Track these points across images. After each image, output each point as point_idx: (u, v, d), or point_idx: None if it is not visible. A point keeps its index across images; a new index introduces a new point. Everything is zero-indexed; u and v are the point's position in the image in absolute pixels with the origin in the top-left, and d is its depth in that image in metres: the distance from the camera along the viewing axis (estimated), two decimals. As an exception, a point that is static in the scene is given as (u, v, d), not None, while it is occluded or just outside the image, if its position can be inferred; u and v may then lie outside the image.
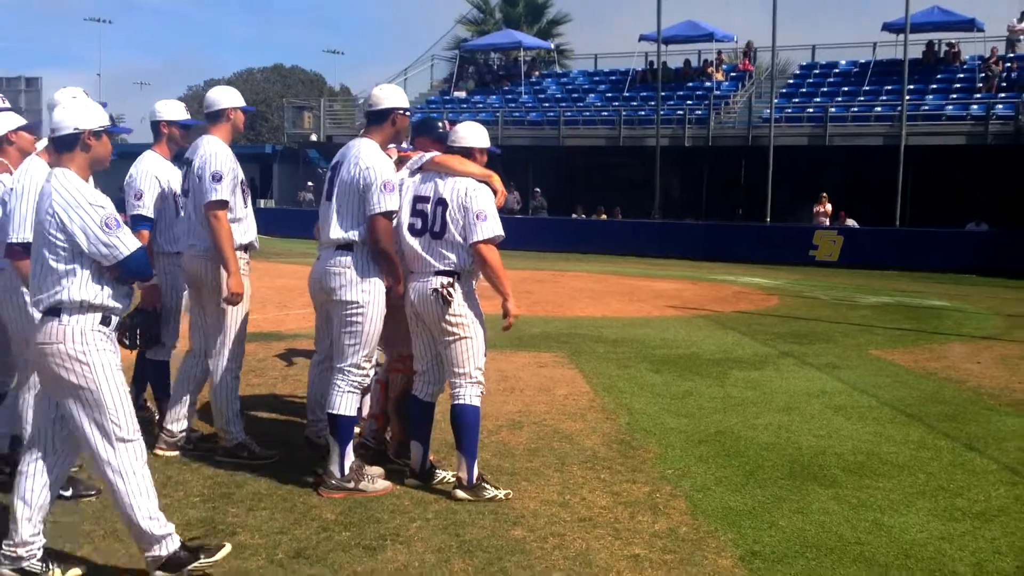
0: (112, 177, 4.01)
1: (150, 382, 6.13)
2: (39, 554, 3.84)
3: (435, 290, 4.85)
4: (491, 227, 4.84)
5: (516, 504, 4.87)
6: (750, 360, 9.11)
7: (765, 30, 24.84)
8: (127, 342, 5.33)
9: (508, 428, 6.38)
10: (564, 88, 33.17)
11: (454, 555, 4.20)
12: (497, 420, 6.51)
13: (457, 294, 4.87)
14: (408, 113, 5.15)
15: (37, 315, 4.61)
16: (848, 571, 4.15)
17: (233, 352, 5.47)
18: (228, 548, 4.00)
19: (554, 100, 31.95)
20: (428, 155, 5.07)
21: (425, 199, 4.96)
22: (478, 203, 4.85)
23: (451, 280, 4.87)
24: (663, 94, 27.31)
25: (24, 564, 3.81)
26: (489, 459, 5.56)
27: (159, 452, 5.47)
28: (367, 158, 4.89)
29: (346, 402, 4.94)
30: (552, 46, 37.80)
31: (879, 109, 25.83)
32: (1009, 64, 26.39)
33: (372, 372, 5.20)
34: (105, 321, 3.75)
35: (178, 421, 5.62)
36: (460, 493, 4.91)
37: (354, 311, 4.90)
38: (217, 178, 5.22)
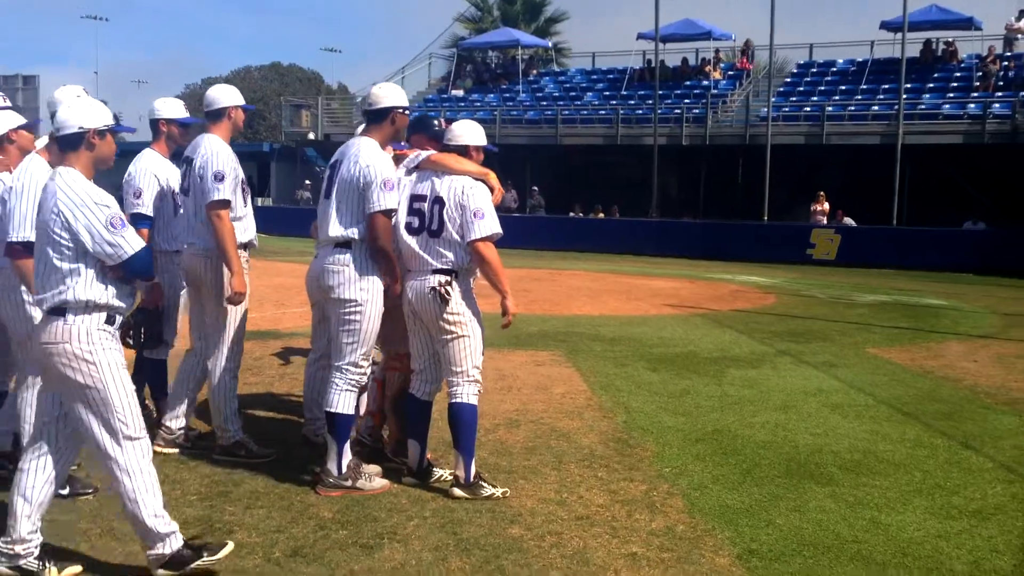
0: (108, 175, 4.01)
1: (148, 381, 6.12)
2: (36, 552, 3.84)
3: (433, 288, 4.85)
4: (489, 225, 4.84)
5: (513, 502, 4.87)
6: (747, 358, 9.11)
7: (763, 29, 24.91)
8: (131, 341, 5.32)
9: (505, 426, 6.38)
10: (562, 87, 33.17)
11: (451, 553, 4.20)
12: (494, 418, 6.51)
13: (455, 292, 4.87)
14: (407, 112, 5.15)
15: (36, 313, 4.62)
16: (845, 569, 4.16)
17: (231, 351, 5.47)
18: (231, 546, 4.01)
19: (552, 99, 31.95)
20: (424, 154, 5.07)
21: (422, 198, 4.96)
22: (475, 201, 4.85)
23: (449, 278, 4.87)
24: (661, 93, 27.31)
25: (21, 562, 3.81)
26: (486, 457, 5.56)
27: (157, 449, 5.46)
28: (367, 156, 4.89)
29: (344, 400, 4.94)
30: (550, 44, 37.80)
31: (876, 108, 25.86)
32: (1006, 63, 26.40)
33: (369, 370, 5.20)
34: (110, 320, 3.77)
35: (177, 418, 5.63)
36: (457, 491, 4.91)
37: (352, 309, 4.89)
38: (219, 177, 5.21)
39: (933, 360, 9.33)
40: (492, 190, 4.98)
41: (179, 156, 5.72)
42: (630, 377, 8.13)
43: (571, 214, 27.14)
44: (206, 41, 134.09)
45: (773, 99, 25.97)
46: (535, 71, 34.83)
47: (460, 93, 33.72)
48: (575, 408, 6.96)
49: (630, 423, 6.56)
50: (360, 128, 5.80)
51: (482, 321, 5.02)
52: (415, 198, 4.98)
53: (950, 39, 27.90)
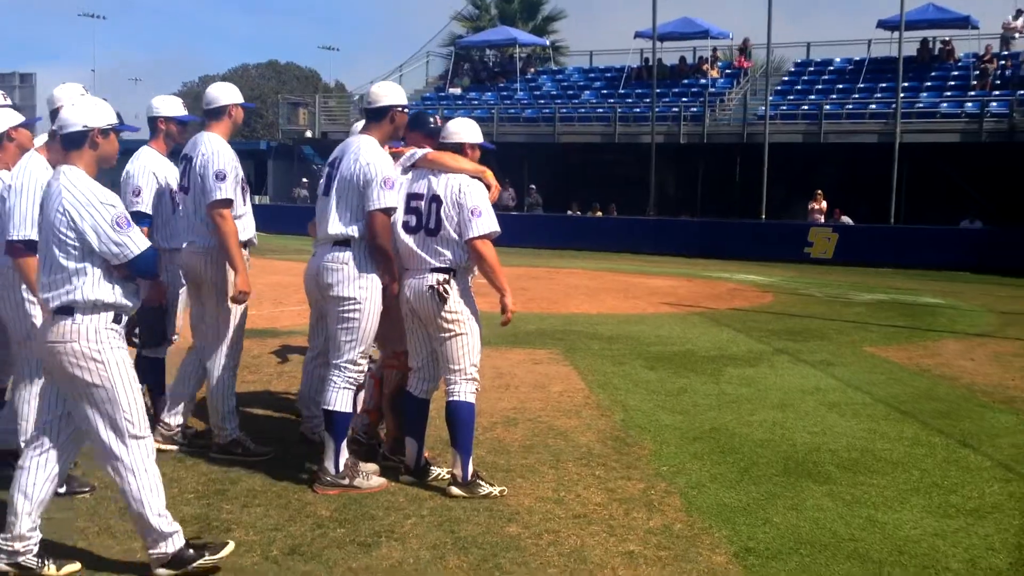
0: (106, 173, 4.00)
1: (146, 379, 6.12)
2: (35, 549, 3.85)
3: (431, 287, 4.85)
4: (486, 223, 4.84)
5: (511, 501, 4.88)
6: (745, 357, 9.12)
7: (760, 27, 24.96)
8: (136, 340, 5.32)
9: (503, 425, 6.38)
10: (559, 85, 33.17)
11: (449, 552, 4.20)
12: (492, 417, 6.51)
13: (453, 291, 4.87)
14: (407, 110, 5.15)
15: (36, 312, 4.62)
16: (842, 567, 4.16)
17: (230, 349, 5.47)
18: (231, 546, 4.01)
19: (549, 97, 31.95)
20: (420, 152, 5.07)
21: (419, 196, 4.95)
22: (472, 199, 4.85)
23: (447, 277, 4.87)
24: (658, 91, 27.34)
25: (20, 559, 3.81)
26: (484, 456, 5.56)
27: (155, 445, 5.46)
28: (368, 154, 4.88)
29: (342, 398, 4.93)
30: (547, 43, 37.80)
31: (874, 106, 25.89)
32: (1003, 62, 26.44)
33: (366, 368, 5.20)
34: (117, 319, 3.78)
35: (176, 415, 5.63)
36: (455, 490, 4.91)
37: (351, 307, 4.89)
38: (221, 176, 5.21)
39: (930, 358, 9.34)
40: (489, 188, 4.98)
41: (177, 154, 5.71)
42: (628, 375, 8.13)
43: (569, 212, 27.14)
44: (203, 39, 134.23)
45: (771, 98, 25.98)
46: (533, 69, 34.82)
47: (458, 91, 33.72)
48: (573, 406, 6.96)
49: (628, 421, 6.56)
50: (356, 126, 5.81)
51: (480, 319, 5.02)
52: (412, 196, 4.98)
53: (947, 38, 27.92)
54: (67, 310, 3.70)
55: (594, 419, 6.61)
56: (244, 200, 5.47)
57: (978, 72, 25.85)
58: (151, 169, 5.75)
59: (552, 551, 4.25)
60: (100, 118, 3.79)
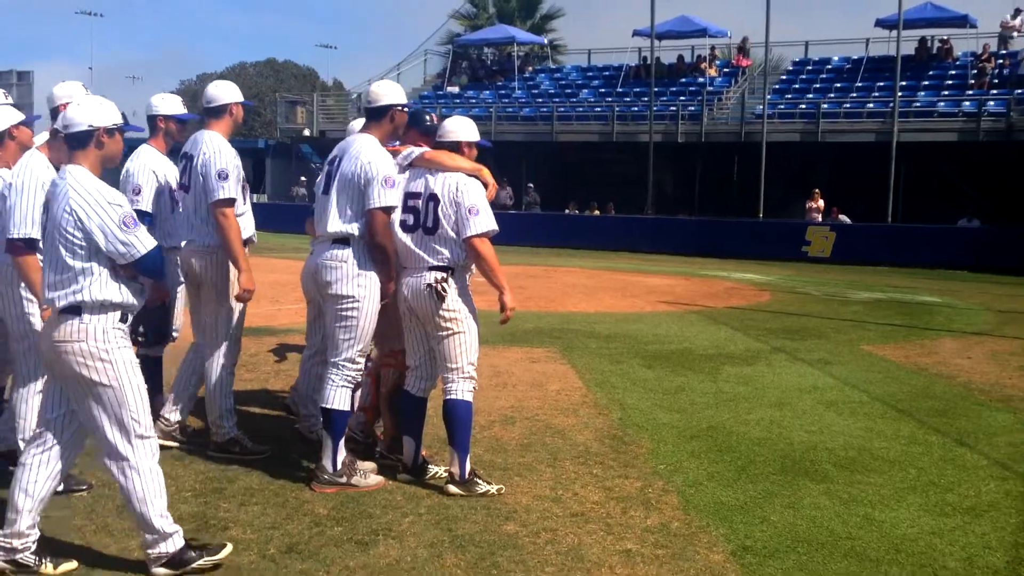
0: (105, 171, 4.00)
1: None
2: (33, 547, 3.85)
3: (429, 285, 4.85)
4: (484, 221, 4.84)
5: (508, 499, 4.88)
6: (742, 356, 9.13)
7: (758, 26, 24.97)
8: (141, 339, 5.32)
9: (500, 423, 6.38)
10: (557, 84, 33.16)
11: (446, 550, 4.20)
12: (489, 415, 6.52)
13: (451, 289, 4.87)
14: (406, 109, 5.15)
15: (34, 310, 4.62)
16: (839, 566, 4.17)
17: (229, 348, 5.47)
18: (230, 548, 4.02)
19: (547, 95, 31.94)
20: (417, 151, 5.07)
21: (416, 195, 4.95)
22: (470, 198, 4.85)
23: (445, 275, 4.87)
24: (656, 90, 27.35)
25: (18, 556, 3.82)
26: (481, 454, 5.56)
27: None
28: (369, 153, 4.88)
29: (340, 396, 4.93)
30: (545, 41, 37.76)
31: (871, 105, 25.90)
32: (1001, 61, 26.45)
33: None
34: (123, 319, 3.78)
35: (176, 412, 5.64)
36: (452, 488, 4.91)
37: (350, 305, 4.89)
38: (223, 176, 5.21)
39: (927, 357, 9.35)
40: (486, 186, 4.98)
41: (176, 152, 5.70)
42: (625, 374, 8.14)
43: (567, 211, 27.14)
44: (201, 38, 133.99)
45: (768, 96, 25.98)
46: (531, 68, 34.81)
47: (456, 90, 33.69)
48: (570, 405, 6.97)
49: (625, 420, 6.56)
50: (352, 124, 5.81)
51: (478, 318, 5.02)
52: (409, 195, 4.97)
53: (945, 37, 27.93)
54: (75, 310, 3.70)
55: (592, 417, 6.62)
56: (244, 199, 5.47)
57: (976, 71, 25.86)
58: (151, 167, 5.74)
59: (549, 549, 4.25)
60: (106, 117, 3.79)
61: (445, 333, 4.91)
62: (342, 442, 4.97)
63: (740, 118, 26.97)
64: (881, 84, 26.56)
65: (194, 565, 3.87)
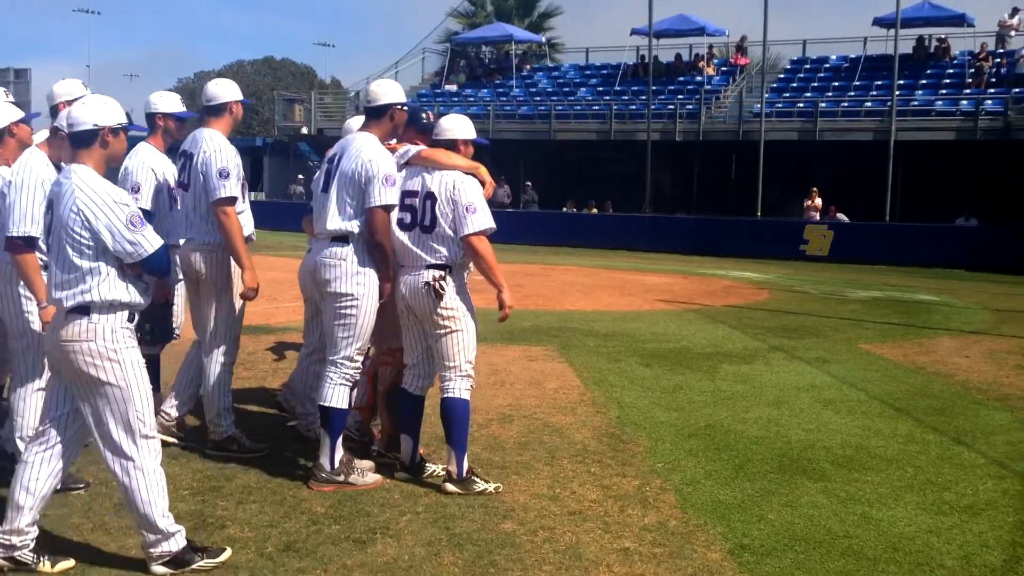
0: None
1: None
2: (31, 545, 3.85)
3: (427, 283, 4.85)
4: (482, 219, 4.84)
5: (506, 497, 4.88)
6: (740, 354, 9.13)
7: (756, 24, 24.97)
8: (148, 337, 5.32)
9: (498, 422, 6.38)
10: (555, 82, 33.15)
11: (444, 548, 4.20)
12: (487, 414, 6.51)
13: (449, 287, 4.87)
14: (406, 108, 5.15)
15: (32, 308, 4.61)
16: (836, 564, 4.17)
17: (228, 346, 5.47)
18: (229, 552, 4.03)
19: (545, 94, 31.92)
20: (414, 149, 5.07)
21: (413, 194, 4.95)
22: (467, 196, 4.85)
23: (443, 273, 4.87)
24: (654, 88, 27.34)
25: (16, 553, 3.82)
26: (479, 453, 5.56)
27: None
28: (369, 151, 4.88)
29: (338, 395, 4.93)
30: (543, 40, 37.74)
31: (869, 104, 25.92)
32: (999, 60, 26.46)
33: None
34: (131, 318, 3.79)
35: (176, 407, 5.64)
36: (450, 487, 4.91)
37: (348, 303, 4.88)
38: (224, 174, 5.20)
39: (925, 356, 9.36)
40: (483, 184, 4.97)
41: (174, 150, 5.69)
42: (623, 372, 8.14)
43: (564, 209, 27.13)
44: (198, 35, 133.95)
45: (766, 95, 25.98)
46: (528, 66, 34.80)
47: (453, 88, 33.67)
48: (568, 403, 6.97)
49: (623, 418, 6.57)
50: (349, 123, 5.81)
51: (475, 316, 5.02)
52: (406, 194, 4.97)
53: (943, 36, 27.93)
54: (83, 310, 3.70)
55: (589, 416, 6.62)
56: (243, 197, 5.47)
57: (973, 70, 25.87)
58: (150, 165, 5.73)
59: (547, 548, 4.25)
60: (111, 117, 3.78)
61: (443, 331, 4.91)
62: (340, 440, 4.97)
63: (738, 117, 26.97)
64: (879, 83, 26.58)
65: (194, 566, 3.88)
